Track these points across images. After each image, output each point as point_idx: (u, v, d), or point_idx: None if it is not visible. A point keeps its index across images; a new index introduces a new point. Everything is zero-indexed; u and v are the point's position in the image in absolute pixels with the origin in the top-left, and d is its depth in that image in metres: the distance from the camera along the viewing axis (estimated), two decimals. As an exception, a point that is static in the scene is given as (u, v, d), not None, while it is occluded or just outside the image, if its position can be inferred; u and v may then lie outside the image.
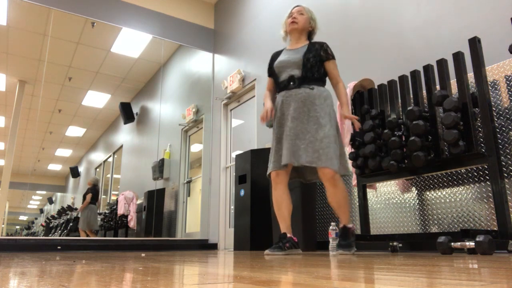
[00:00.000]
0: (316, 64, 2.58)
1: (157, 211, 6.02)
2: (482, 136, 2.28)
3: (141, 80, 6.42)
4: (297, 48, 2.69)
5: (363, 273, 0.98)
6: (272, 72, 2.76)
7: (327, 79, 2.78)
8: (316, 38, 3.75)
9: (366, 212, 2.90)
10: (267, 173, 2.61)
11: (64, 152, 6.07)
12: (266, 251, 2.38)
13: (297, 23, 2.70)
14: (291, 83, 2.57)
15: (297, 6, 2.79)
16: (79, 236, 5.50)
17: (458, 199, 2.54)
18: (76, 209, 5.75)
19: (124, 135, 6.44)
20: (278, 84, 2.67)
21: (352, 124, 2.62)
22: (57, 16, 5.25)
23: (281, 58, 2.69)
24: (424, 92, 2.68)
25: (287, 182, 2.57)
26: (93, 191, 5.76)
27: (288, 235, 2.50)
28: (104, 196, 6.21)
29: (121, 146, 6.43)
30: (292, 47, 2.74)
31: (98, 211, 6.05)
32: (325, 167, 2.36)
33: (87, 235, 5.56)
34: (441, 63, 2.43)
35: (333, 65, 2.64)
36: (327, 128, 2.43)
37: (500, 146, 2.33)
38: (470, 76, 2.53)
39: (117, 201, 5.95)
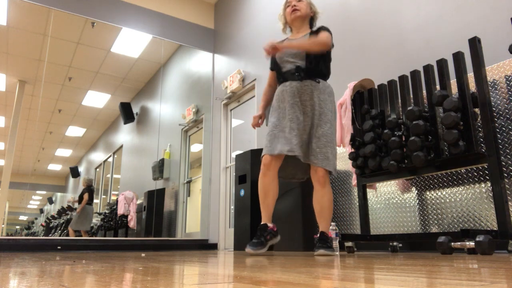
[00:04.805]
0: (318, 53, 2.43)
1: (157, 211, 6.02)
2: (482, 136, 2.28)
3: (141, 80, 6.42)
4: (299, 37, 2.55)
5: (363, 273, 0.98)
6: (275, 63, 2.59)
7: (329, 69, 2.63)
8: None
9: (366, 212, 2.90)
10: (261, 155, 2.46)
11: (64, 152, 6.07)
12: (248, 249, 2.27)
13: (299, 10, 2.55)
14: (297, 74, 2.43)
15: None
16: (77, 236, 5.49)
17: (458, 199, 2.54)
18: (76, 209, 5.75)
19: (124, 135, 6.44)
20: (282, 74, 2.51)
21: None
22: (57, 16, 5.25)
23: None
24: (424, 92, 2.68)
25: (277, 170, 2.44)
26: (89, 191, 5.74)
27: (269, 225, 2.39)
28: (104, 196, 6.21)
29: (121, 146, 6.43)
30: (294, 37, 2.61)
31: (97, 211, 6.04)
32: (320, 167, 2.33)
33: (78, 236, 5.53)
34: (441, 63, 2.43)
35: (324, 33, 2.42)
36: (327, 126, 2.39)
37: (500, 146, 2.33)
38: (470, 76, 2.53)
39: (117, 201, 5.95)
